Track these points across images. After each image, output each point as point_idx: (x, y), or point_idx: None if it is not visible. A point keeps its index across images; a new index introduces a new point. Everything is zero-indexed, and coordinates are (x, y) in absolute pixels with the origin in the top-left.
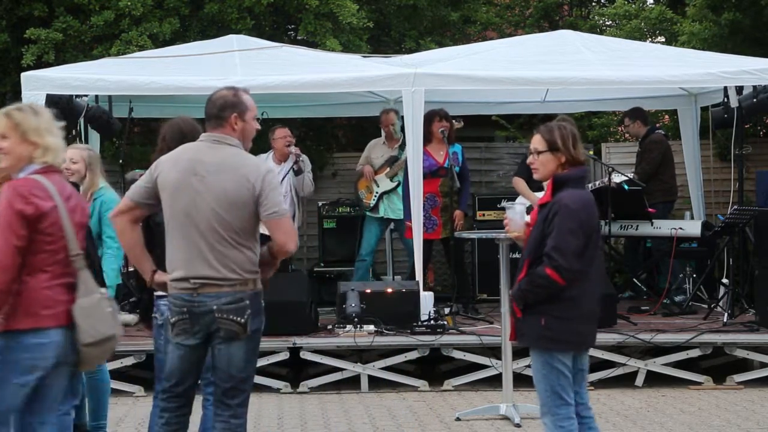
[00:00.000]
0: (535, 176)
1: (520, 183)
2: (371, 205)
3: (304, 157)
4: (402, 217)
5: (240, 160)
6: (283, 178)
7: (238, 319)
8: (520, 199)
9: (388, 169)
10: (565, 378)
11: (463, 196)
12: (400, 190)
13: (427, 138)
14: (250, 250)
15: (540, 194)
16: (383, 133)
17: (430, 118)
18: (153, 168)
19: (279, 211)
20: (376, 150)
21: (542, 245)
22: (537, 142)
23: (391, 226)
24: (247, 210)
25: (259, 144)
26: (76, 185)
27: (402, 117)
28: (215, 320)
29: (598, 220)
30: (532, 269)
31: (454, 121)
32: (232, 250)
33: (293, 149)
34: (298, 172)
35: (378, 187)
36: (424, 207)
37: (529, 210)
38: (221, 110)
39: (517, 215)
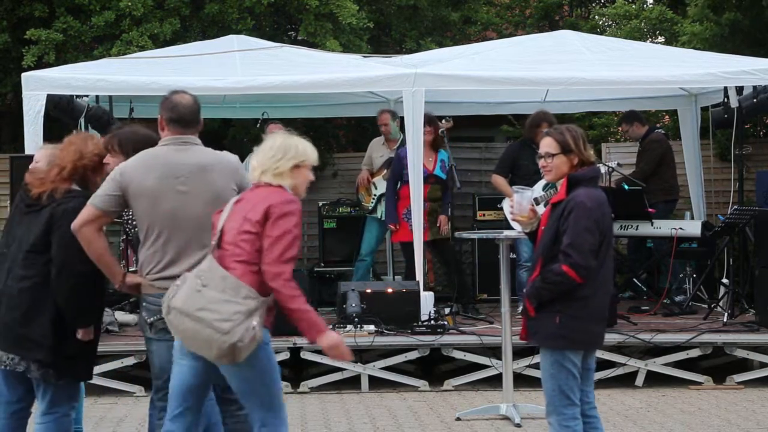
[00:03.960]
0: (547, 178)
1: (499, 180)
2: (370, 208)
3: None
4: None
5: (219, 155)
6: None
7: None
8: (537, 187)
9: (385, 171)
10: (574, 378)
11: (445, 200)
12: None
13: None
14: None
15: None
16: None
17: None
18: (117, 177)
19: None
20: (377, 150)
21: (556, 243)
22: (549, 145)
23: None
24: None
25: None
26: None
27: (401, 118)
28: None
29: (611, 220)
30: (546, 267)
31: (444, 120)
32: None
33: None
34: None
35: (376, 189)
36: (411, 211)
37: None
38: (197, 114)
39: (525, 200)
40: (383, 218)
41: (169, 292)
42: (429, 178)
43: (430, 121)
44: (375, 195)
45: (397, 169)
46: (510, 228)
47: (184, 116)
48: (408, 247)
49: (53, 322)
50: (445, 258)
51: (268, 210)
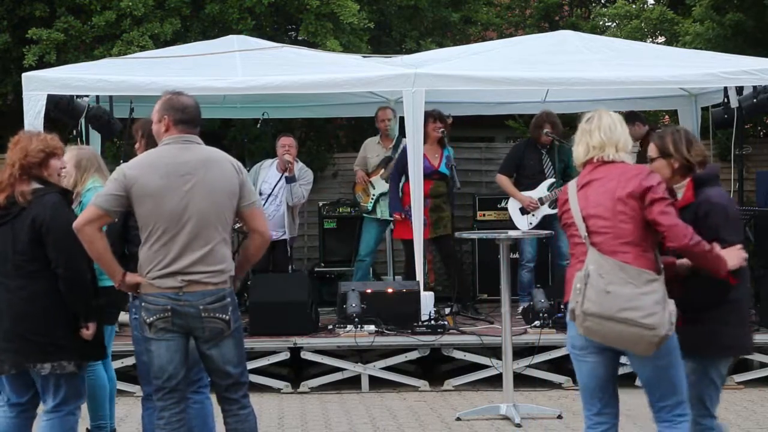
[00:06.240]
0: None
1: (504, 180)
2: (369, 208)
3: (308, 171)
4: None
5: (219, 154)
6: (276, 185)
7: (223, 316)
8: (541, 187)
9: (382, 170)
10: (716, 388)
11: (450, 197)
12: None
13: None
14: (230, 245)
15: (528, 193)
16: (379, 131)
17: (424, 120)
18: (121, 178)
19: (257, 201)
20: (372, 150)
21: None
22: (651, 149)
23: (391, 226)
24: (234, 201)
25: (262, 145)
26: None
27: (400, 117)
28: (201, 320)
29: None
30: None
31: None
32: (220, 244)
33: (287, 157)
34: (289, 180)
35: (374, 189)
36: (414, 207)
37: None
38: (199, 114)
39: None
40: (382, 217)
41: (573, 299)
42: (433, 174)
43: (440, 117)
44: (374, 195)
45: (402, 163)
46: (514, 228)
47: (195, 117)
48: (409, 244)
49: (66, 321)
50: (445, 256)
51: (642, 187)
